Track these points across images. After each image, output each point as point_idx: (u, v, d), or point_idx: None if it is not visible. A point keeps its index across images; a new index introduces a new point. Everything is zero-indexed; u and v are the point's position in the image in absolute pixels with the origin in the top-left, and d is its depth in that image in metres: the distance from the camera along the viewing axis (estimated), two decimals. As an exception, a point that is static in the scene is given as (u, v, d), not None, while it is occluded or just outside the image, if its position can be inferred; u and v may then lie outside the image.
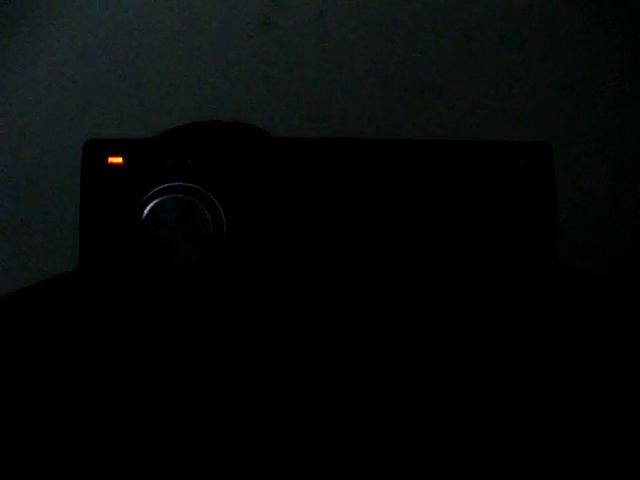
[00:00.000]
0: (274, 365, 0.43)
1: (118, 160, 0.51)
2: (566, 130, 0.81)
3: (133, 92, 0.81)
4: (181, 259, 0.49)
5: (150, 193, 0.49)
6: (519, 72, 0.81)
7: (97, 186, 0.51)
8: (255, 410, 0.37)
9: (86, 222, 0.51)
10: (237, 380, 0.41)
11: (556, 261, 0.52)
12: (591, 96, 0.81)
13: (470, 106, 0.81)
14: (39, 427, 0.36)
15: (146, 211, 0.49)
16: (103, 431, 0.35)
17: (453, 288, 0.51)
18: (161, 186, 0.49)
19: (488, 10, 0.80)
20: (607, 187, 0.82)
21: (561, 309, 0.52)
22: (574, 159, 0.80)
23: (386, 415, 0.37)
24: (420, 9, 0.80)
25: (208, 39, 0.81)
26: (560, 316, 0.51)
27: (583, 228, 0.81)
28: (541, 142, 0.52)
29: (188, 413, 0.37)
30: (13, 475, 0.32)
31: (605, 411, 0.37)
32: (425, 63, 0.81)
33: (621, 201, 0.82)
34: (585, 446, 0.34)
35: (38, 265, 0.82)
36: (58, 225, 0.81)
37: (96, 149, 0.51)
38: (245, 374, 0.42)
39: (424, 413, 0.37)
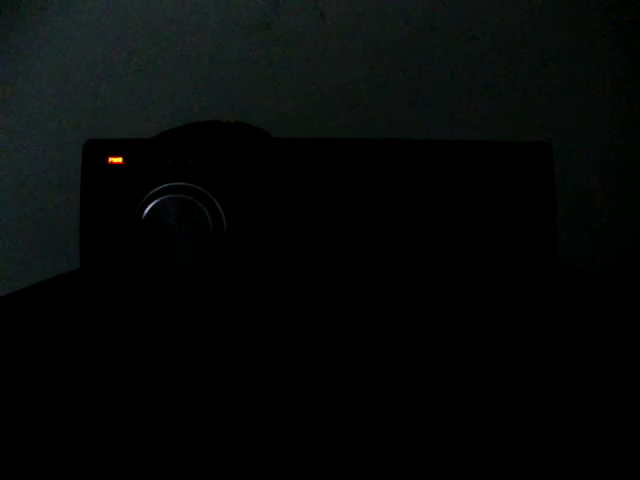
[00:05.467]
0: (274, 365, 0.43)
1: (118, 160, 0.51)
2: (566, 130, 0.81)
3: (133, 92, 0.81)
4: (181, 259, 0.49)
5: (150, 193, 0.49)
6: (519, 72, 0.81)
7: (97, 186, 0.51)
8: (255, 410, 0.37)
9: (86, 222, 0.51)
10: (237, 380, 0.41)
11: (556, 261, 0.52)
12: (591, 96, 0.81)
13: (470, 106, 0.81)
14: (39, 427, 0.36)
15: (146, 211, 0.49)
16: (103, 431, 0.35)
17: (453, 288, 0.51)
18: (161, 186, 0.49)
19: (489, 11, 0.80)
20: (607, 187, 0.82)
21: (561, 309, 0.52)
22: (574, 159, 0.80)
23: (386, 415, 0.37)
24: (420, 9, 0.80)
25: (208, 39, 0.81)
26: (560, 316, 0.51)
27: (583, 228, 0.81)
28: (541, 142, 0.52)
29: (188, 413, 0.37)
30: (13, 475, 0.32)
31: (605, 411, 0.37)
32: (425, 63, 0.81)
33: (621, 201, 0.82)
34: (585, 446, 0.34)
35: (38, 265, 0.82)
36: (58, 225, 0.81)
37: (96, 149, 0.51)
38: (245, 374, 0.42)
39: (424, 413, 0.37)
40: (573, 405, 0.38)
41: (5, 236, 0.83)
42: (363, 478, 0.32)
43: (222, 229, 0.50)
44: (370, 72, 0.81)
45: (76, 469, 0.32)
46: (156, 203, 0.49)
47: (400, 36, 0.80)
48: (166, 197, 0.49)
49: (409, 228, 0.51)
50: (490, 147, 0.52)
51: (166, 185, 0.50)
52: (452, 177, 0.51)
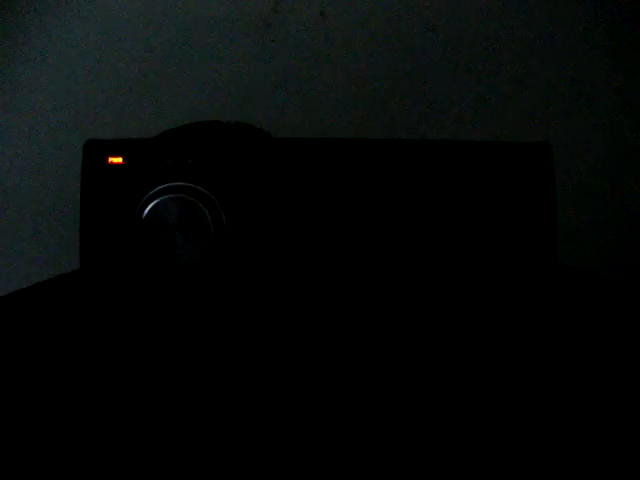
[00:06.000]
0: (274, 364, 0.43)
1: (118, 160, 0.51)
2: (566, 130, 0.81)
3: (133, 92, 0.81)
4: (181, 259, 0.49)
5: (150, 193, 0.49)
6: (519, 72, 0.81)
7: (97, 186, 0.51)
8: (255, 410, 0.37)
9: (86, 222, 0.51)
10: (238, 380, 0.41)
11: (556, 261, 0.52)
12: (591, 96, 0.81)
13: (470, 106, 0.81)
14: (39, 427, 0.36)
15: (146, 211, 0.49)
16: (103, 431, 0.35)
17: (453, 288, 0.51)
18: (161, 186, 0.49)
19: (488, 11, 0.80)
20: (607, 187, 0.82)
21: (561, 309, 0.52)
22: (574, 159, 0.81)
23: (386, 415, 0.37)
24: (420, 10, 0.80)
25: (208, 39, 0.81)
26: (560, 316, 0.51)
27: (583, 228, 0.81)
28: (541, 142, 0.52)
29: (189, 412, 0.37)
30: (13, 475, 0.32)
31: (605, 411, 0.37)
32: (425, 63, 0.81)
33: (621, 201, 0.82)
34: (585, 446, 0.34)
35: (38, 265, 0.82)
36: (58, 225, 0.81)
37: (96, 149, 0.51)
38: (245, 374, 0.42)
39: (424, 413, 0.37)
40: (573, 405, 0.38)
41: (5, 236, 0.83)
42: (363, 478, 0.32)
43: (222, 229, 0.50)
44: (370, 72, 0.81)
45: (76, 469, 0.32)
46: (156, 203, 0.49)
47: (400, 36, 0.80)
48: (166, 197, 0.49)
49: (409, 228, 0.51)
50: (490, 147, 0.52)
51: (166, 185, 0.50)
52: (452, 177, 0.51)
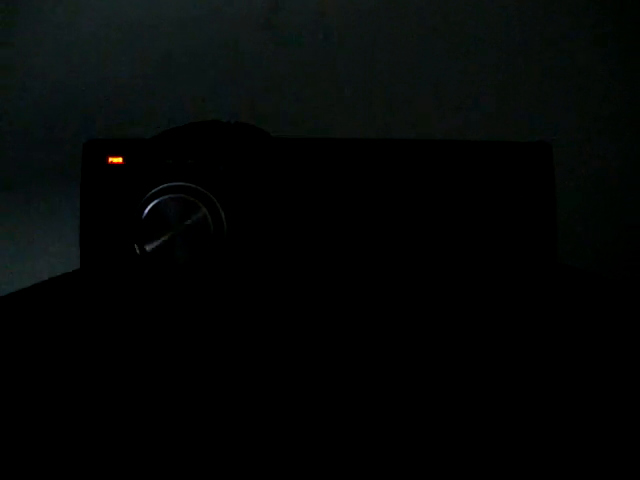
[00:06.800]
0: (274, 365, 0.43)
1: (118, 160, 0.51)
2: (566, 130, 0.81)
3: (133, 92, 0.81)
4: (181, 259, 0.49)
5: (150, 193, 0.49)
6: (519, 72, 0.81)
7: (97, 186, 0.51)
8: (255, 410, 0.37)
9: (86, 222, 0.51)
10: (237, 380, 0.41)
11: (556, 261, 0.52)
12: (591, 96, 0.81)
13: (470, 106, 0.81)
14: (39, 427, 0.36)
15: (146, 211, 0.49)
16: (103, 431, 0.35)
17: (453, 288, 0.51)
18: (161, 186, 0.49)
19: (489, 11, 0.80)
20: (607, 187, 0.82)
21: (561, 309, 0.52)
22: (574, 159, 0.80)
23: (386, 415, 0.37)
24: (420, 10, 0.80)
25: (208, 39, 0.81)
26: (560, 316, 0.51)
27: (583, 228, 0.81)
28: (541, 142, 0.52)
29: (188, 413, 0.37)
30: (13, 475, 0.32)
31: (605, 411, 0.38)
32: (425, 63, 0.81)
33: (621, 201, 0.82)
34: (585, 446, 0.34)
35: (38, 265, 0.82)
36: (58, 225, 0.81)
37: (96, 149, 0.51)
38: (245, 374, 0.42)
39: (424, 413, 0.37)
40: (573, 405, 0.38)
41: (4, 236, 0.83)
42: (363, 478, 0.32)
43: (222, 229, 0.50)
44: (370, 72, 0.81)
45: (76, 469, 0.32)
46: (156, 203, 0.49)
47: (400, 36, 0.80)
48: (166, 197, 0.49)
49: (409, 228, 0.51)
50: (490, 147, 0.52)
51: (166, 185, 0.50)
52: (452, 177, 0.51)
